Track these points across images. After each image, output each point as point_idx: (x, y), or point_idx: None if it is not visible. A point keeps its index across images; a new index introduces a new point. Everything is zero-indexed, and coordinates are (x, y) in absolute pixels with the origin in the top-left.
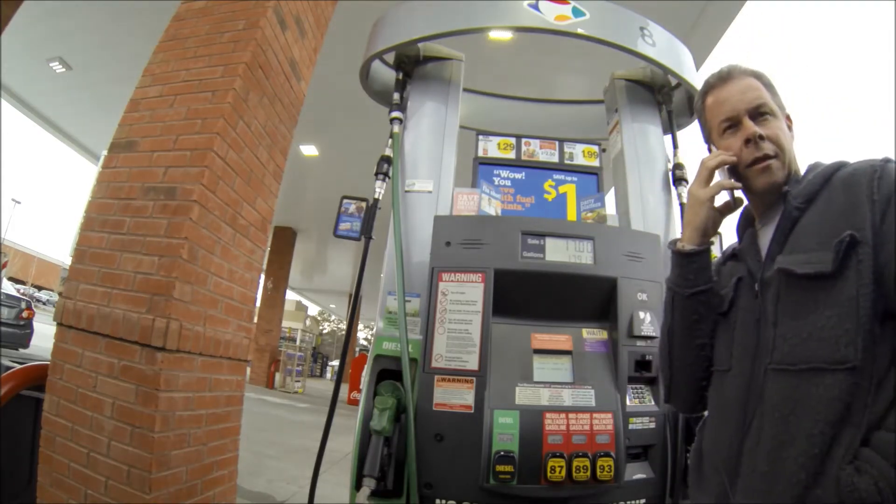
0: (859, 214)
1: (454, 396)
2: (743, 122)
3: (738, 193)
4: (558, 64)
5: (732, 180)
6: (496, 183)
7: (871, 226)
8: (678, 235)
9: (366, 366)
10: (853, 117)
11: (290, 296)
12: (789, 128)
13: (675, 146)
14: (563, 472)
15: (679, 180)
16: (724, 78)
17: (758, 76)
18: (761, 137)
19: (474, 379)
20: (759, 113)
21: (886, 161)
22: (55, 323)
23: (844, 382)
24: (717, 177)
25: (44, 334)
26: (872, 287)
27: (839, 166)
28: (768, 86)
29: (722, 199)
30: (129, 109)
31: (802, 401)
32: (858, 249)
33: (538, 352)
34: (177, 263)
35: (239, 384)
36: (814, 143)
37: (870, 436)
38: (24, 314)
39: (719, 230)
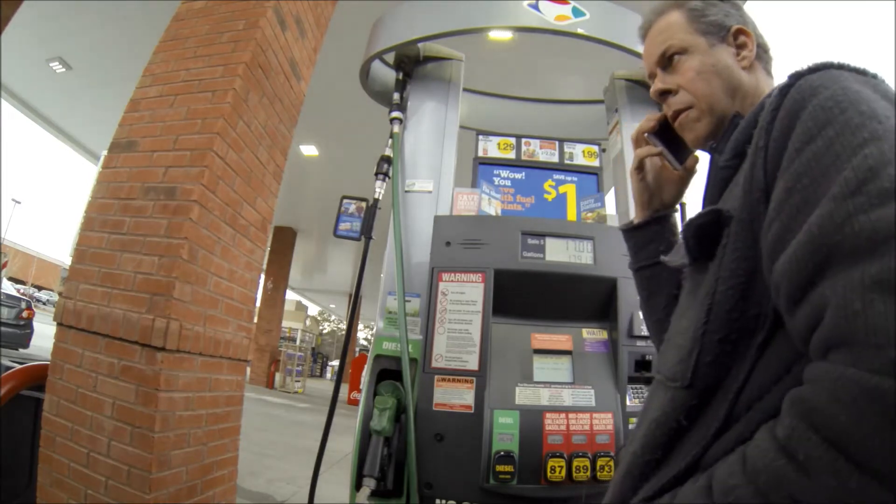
0: (742, 175)
1: (454, 396)
2: (656, 78)
3: (672, 157)
4: (558, 64)
5: (648, 146)
6: (496, 183)
7: (751, 191)
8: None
9: (366, 366)
10: None
11: (290, 296)
12: (742, 46)
13: None
14: (563, 472)
15: None
16: (644, 28)
17: (679, 5)
18: (664, 93)
19: (474, 379)
20: (667, 61)
21: (793, 80)
22: (55, 323)
23: (671, 404)
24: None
25: (44, 334)
26: (739, 279)
27: None
28: (692, 10)
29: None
30: (129, 109)
31: (642, 418)
32: (731, 228)
33: (538, 352)
34: (177, 263)
35: (239, 384)
36: None
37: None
38: (24, 314)
39: (672, 202)
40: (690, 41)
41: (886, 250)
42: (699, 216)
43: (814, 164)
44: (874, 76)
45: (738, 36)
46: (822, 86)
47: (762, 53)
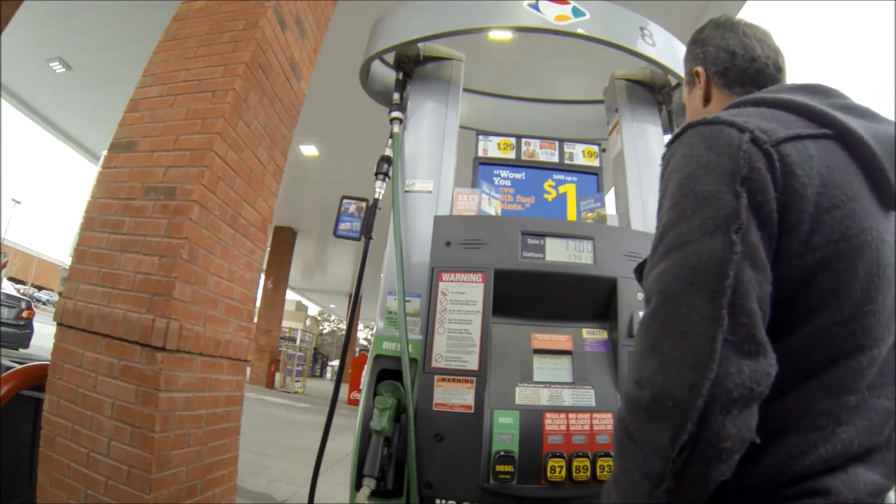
0: None
1: (454, 396)
2: None
3: None
4: (558, 64)
5: None
6: (496, 183)
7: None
8: None
9: (366, 366)
10: None
11: (290, 296)
12: (700, 84)
13: None
14: (564, 473)
15: None
16: None
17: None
18: None
19: (474, 379)
20: None
21: (667, 146)
22: (55, 323)
23: None
24: None
25: (44, 334)
26: None
27: None
28: (683, 63)
29: None
30: (129, 109)
31: None
32: None
33: (538, 352)
34: (177, 263)
35: (239, 384)
36: None
37: None
38: (24, 314)
39: None
40: (685, 92)
41: (651, 300)
42: (640, 264)
43: (656, 224)
44: (721, 122)
45: (698, 76)
46: (672, 154)
47: (718, 80)
